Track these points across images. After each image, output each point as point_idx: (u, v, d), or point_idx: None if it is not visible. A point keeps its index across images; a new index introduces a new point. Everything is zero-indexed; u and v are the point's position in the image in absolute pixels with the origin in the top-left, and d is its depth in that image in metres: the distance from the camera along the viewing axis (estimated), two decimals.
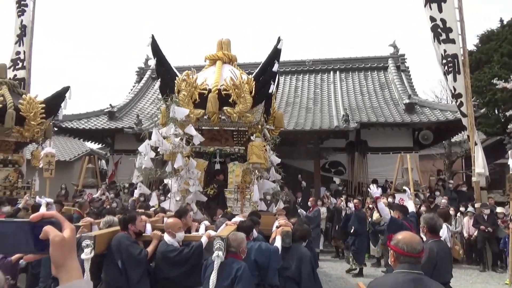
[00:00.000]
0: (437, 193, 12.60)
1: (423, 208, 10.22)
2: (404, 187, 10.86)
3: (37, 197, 6.18)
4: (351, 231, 9.01)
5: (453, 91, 10.83)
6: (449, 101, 23.04)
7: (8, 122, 8.32)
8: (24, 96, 8.97)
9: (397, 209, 6.77)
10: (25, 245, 0.93)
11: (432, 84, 31.82)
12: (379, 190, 12.91)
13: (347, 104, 15.83)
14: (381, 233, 8.89)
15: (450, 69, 10.61)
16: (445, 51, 10.63)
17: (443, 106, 15.20)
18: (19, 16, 12.12)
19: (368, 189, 6.83)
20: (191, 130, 6.25)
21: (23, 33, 12.14)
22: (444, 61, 10.69)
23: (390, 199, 10.86)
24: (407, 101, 14.71)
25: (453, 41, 10.51)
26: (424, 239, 4.31)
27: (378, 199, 6.02)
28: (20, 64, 12.05)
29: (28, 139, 9.22)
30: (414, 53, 43.54)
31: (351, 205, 9.81)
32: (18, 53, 12.08)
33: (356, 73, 19.00)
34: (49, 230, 0.91)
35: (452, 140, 17.82)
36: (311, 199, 11.23)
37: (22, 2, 12.11)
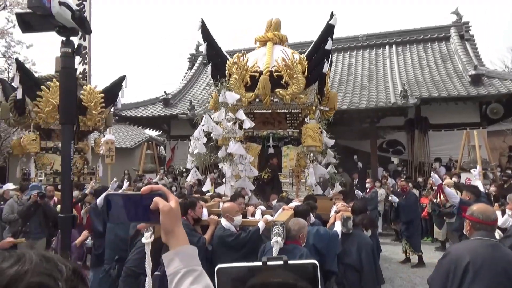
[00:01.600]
0: (509, 171, 11.57)
1: (492, 189, 9.43)
2: (472, 166, 10.15)
3: (113, 181, 6.51)
4: (402, 221, 8.53)
5: None
6: None
7: None
8: (85, 87, 9.43)
9: (468, 191, 6.26)
10: (137, 215, 1.03)
11: (500, 53, 29.13)
12: (442, 169, 12.28)
13: (405, 80, 14.88)
14: (447, 215, 8.31)
15: None
16: None
17: None
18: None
19: (430, 178, 6.39)
20: (241, 114, 6.17)
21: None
22: None
23: (455, 179, 10.14)
24: (473, 72, 13.50)
25: None
26: (508, 219, 3.96)
27: (442, 187, 5.74)
28: (87, 59, 12.56)
29: (91, 127, 9.75)
30: (478, 20, 40.07)
31: (394, 198, 8.90)
32: (84, 47, 12.60)
33: (415, 45, 17.78)
34: (159, 201, 1.00)
35: None
36: (368, 180, 10.83)
37: None
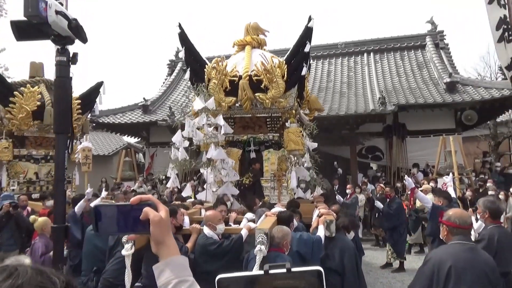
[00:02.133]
0: (484, 176, 11.91)
1: (468, 193, 9.67)
2: (448, 172, 10.37)
3: (88, 189, 6.31)
4: (387, 227, 8.58)
5: (510, 62, 9.98)
6: (493, 78, 21.79)
7: (47, 119, 8.53)
8: None
9: (441, 196, 6.40)
10: (127, 226, 1.02)
11: (473, 62, 30.14)
12: (419, 175, 12.49)
13: (383, 87, 15.18)
14: (425, 220, 8.43)
15: (510, 37, 9.74)
16: (505, 16, 9.70)
17: (487, 83, 14.29)
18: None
19: (404, 180, 6.48)
20: (219, 120, 6.12)
21: None
22: (505, 26, 9.78)
23: (432, 184, 10.35)
24: (448, 80, 13.90)
25: None
26: (482, 224, 4.01)
27: (414, 190, 5.83)
28: None
29: None
30: (452, 29, 41.39)
31: (378, 204, 8.87)
32: None
33: (392, 53, 18.21)
34: (149, 211, 1.00)
35: (498, 120, 16.78)
36: (349, 185, 10.93)
37: None
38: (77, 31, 1.80)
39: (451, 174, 8.13)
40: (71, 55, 1.88)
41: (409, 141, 14.50)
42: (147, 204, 1.01)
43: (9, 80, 10.05)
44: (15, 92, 8.66)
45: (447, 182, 7.57)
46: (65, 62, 1.83)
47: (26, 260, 1.67)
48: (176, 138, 6.24)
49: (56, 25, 1.69)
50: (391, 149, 14.60)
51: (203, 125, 6.02)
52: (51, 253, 4.60)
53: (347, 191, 10.70)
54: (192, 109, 7.11)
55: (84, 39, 1.92)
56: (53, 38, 1.75)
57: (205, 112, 6.07)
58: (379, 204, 8.88)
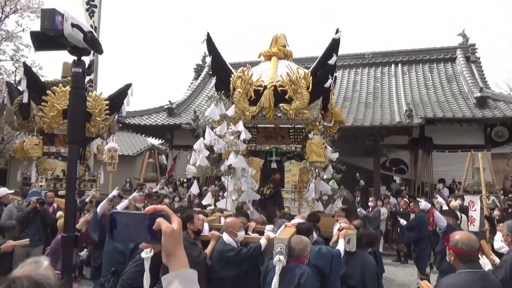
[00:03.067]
0: None
1: (496, 213, 9.30)
2: (476, 189, 10.04)
3: (114, 191, 6.45)
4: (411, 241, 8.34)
5: None
6: None
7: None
8: (90, 93, 9.43)
9: (448, 215, 6.24)
10: (139, 235, 1.03)
11: (505, 76, 29.17)
12: (445, 191, 12.13)
13: (410, 99, 14.89)
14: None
15: None
16: None
17: None
18: (91, 17, 12.67)
19: (419, 203, 6.34)
20: (239, 126, 6.13)
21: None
22: None
23: (459, 201, 10.03)
24: (479, 94, 13.50)
25: None
26: (505, 248, 3.86)
27: (432, 210, 5.72)
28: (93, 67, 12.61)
29: (94, 134, 9.71)
30: (484, 43, 40.30)
31: (402, 221, 8.58)
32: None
33: (420, 65, 17.85)
34: (161, 222, 1.00)
35: None
36: (371, 198, 10.72)
37: (91, 3, 12.64)
38: (92, 43, 1.87)
39: (439, 197, 7.84)
40: (86, 66, 1.96)
41: (435, 156, 14.14)
42: (161, 214, 1.02)
43: (42, 79, 10.43)
44: (48, 91, 8.97)
45: (441, 203, 7.40)
46: (80, 73, 1.91)
47: (44, 261, 1.72)
48: (197, 145, 6.29)
49: (72, 37, 1.76)
50: (416, 162, 14.27)
51: (225, 133, 6.05)
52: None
53: (369, 204, 10.51)
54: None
55: (99, 51, 2.00)
56: (69, 49, 1.84)
57: (226, 120, 6.10)
58: (403, 222, 8.67)
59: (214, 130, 6.21)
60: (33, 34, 1.77)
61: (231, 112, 6.18)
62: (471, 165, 11.70)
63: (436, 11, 63.02)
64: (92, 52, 1.96)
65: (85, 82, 2.00)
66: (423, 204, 5.90)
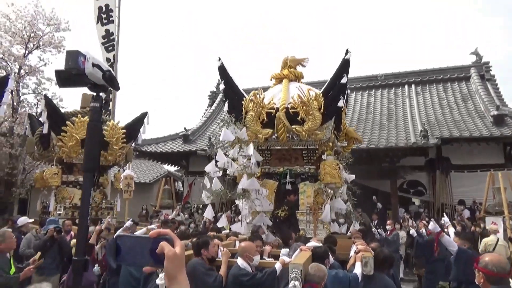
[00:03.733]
0: None
1: None
2: (498, 210, 9.73)
3: (128, 222, 6.55)
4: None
5: None
6: None
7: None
8: (107, 122, 9.68)
9: (464, 238, 5.99)
10: (143, 258, 1.05)
11: None
12: (466, 212, 11.79)
13: (425, 119, 14.76)
14: None
15: None
16: None
17: None
18: (107, 52, 13.15)
19: (429, 226, 6.17)
20: (249, 149, 6.17)
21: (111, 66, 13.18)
22: None
23: (482, 224, 9.72)
24: (495, 112, 13.29)
25: None
26: None
27: (440, 234, 5.62)
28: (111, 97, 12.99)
29: (111, 162, 9.88)
30: (499, 60, 39.95)
31: (412, 231, 8.83)
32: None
33: (434, 85, 17.78)
34: (165, 246, 1.02)
35: None
36: (389, 221, 10.46)
37: (110, 38, 13.10)
38: (110, 81, 2.03)
39: (446, 216, 7.60)
40: (103, 102, 2.10)
41: (454, 176, 13.84)
42: (165, 238, 1.04)
43: (62, 110, 10.77)
44: (67, 122, 9.24)
45: (445, 223, 7.12)
46: (98, 107, 2.04)
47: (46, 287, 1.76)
48: (209, 168, 6.35)
49: (92, 75, 1.92)
50: (434, 184, 13.98)
51: (238, 155, 6.09)
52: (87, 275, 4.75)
53: (387, 227, 10.26)
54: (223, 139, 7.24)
55: (116, 87, 2.19)
56: (89, 86, 2.00)
57: (239, 143, 6.15)
58: (413, 232, 8.51)
59: (227, 153, 6.27)
60: (57, 73, 1.92)
61: (243, 135, 6.25)
62: (491, 185, 11.40)
63: (448, 30, 63.19)
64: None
65: (102, 115, 2.15)
66: (432, 226, 5.76)
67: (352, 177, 7.74)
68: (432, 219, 6.94)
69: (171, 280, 1.03)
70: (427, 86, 17.86)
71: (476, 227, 9.88)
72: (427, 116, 15.34)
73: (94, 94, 2.05)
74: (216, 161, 6.40)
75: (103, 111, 2.33)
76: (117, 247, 1.06)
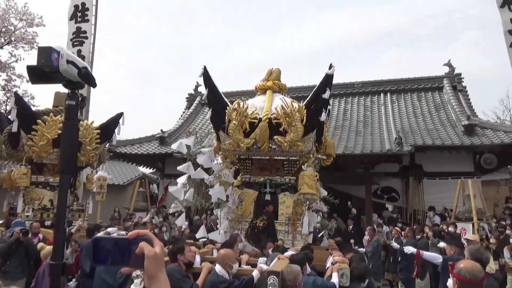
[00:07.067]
0: (503, 222, 11.47)
1: (492, 240, 9.23)
2: (467, 216, 10.03)
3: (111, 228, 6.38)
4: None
5: None
6: None
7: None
8: (81, 122, 9.38)
9: (452, 244, 6.13)
10: (122, 259, 1.04)
11: (492, 105, 29.86)
12: (436, 218, 12.09)
13: (399, 127, 15.13)
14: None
15: None
16: None
17: (507, 127, 14.08)
18: (74, 46, 12.69)
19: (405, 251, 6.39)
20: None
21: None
22: None
23: (451, 228, 9.99)
24: (466, 122, 13.76)
25: None
26: None
27: (420, 253, 5.85)
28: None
29: (84, 163, 9.58)
30: (470, 72, 41.47)
31: (394, 244, 8.95)
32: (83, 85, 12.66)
33: (409, 94, 18.24)
34: (144, 246, 1.02)
35: None
36: (368, 228, 10.41)
37: (81, 35, 12.75)
38: (86, 78, 1.96)
39: (436, 219, 7.92)
40: (80, 99, 2.03)
41: (426, 183, 14.21)
42: (144, 239, 1.04)
43: (34, 109, 10.38)
44: (38, 121, 8.90)
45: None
46: (74, 105, 1.97)
47: None
48: (182, 167, 6.34)
49: (67, 73, 1.85)
50: (407, 190, 14.31)
51: (214, 164, 6.06)
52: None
53: (365, 236, 10.17)
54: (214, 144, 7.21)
55: (93, 85, 2.10)
56: (64, 83, 1.93)
57: (215, 152, 6.13)
58: (395, 245, 8.64)
59: (198, 161, 6.27)
60: (30, 68, 1.82)
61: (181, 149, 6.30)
62: (462, 192, 11.76)
63: (422, 41, 65.12)
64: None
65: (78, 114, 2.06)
66: (408, 249, 6.00)
67: (325, 192, 7.83)
68: (415, 224, 7.05)
69: (151, 279, 1.03)
70: (402, 94, 18.30)
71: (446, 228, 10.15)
72: (402, 124, 15.71)
73: (70, 91, 1.98)
74: (199, 165, 6.36)
75: (80, 109, 2.24)
76: (96, 249, 1.05)
